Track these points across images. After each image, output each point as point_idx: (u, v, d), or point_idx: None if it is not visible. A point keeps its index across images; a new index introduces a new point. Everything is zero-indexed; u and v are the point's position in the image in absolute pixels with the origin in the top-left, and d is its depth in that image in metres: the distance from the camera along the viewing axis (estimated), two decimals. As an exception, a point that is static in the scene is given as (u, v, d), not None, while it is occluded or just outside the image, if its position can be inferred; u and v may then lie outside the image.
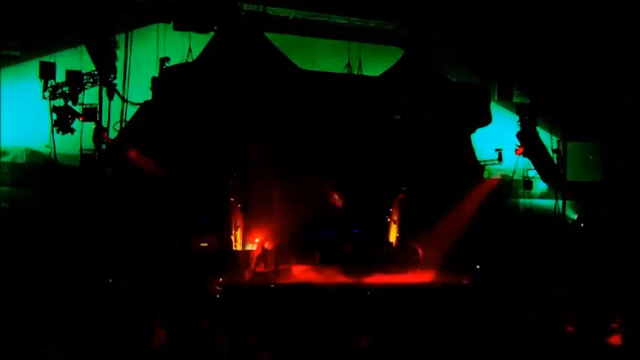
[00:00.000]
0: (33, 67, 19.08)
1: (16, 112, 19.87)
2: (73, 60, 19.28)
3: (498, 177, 22.57)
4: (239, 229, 19.92)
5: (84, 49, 19.57)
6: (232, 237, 19.93)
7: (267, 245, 19.13)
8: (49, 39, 19.55)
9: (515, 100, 21.85)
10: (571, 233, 22.15)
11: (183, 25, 17.23)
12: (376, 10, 20.95)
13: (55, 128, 18.35)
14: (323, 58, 21.23)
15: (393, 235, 21.43)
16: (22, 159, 21.12)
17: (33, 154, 21.07)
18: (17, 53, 20.39)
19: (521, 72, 21.05)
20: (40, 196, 19.49)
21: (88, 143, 18.74)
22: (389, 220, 21.51)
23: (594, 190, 22.49)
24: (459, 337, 11.69)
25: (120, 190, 18.36)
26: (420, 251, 20.71)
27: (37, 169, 20.01)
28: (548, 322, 12.39)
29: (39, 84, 18.67)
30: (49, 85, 18.51)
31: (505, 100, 21.73)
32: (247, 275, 18.55)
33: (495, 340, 11.53)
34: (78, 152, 19.34)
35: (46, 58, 18.97)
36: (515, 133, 20.91)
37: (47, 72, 18.53)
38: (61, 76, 18.56)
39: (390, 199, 21.47)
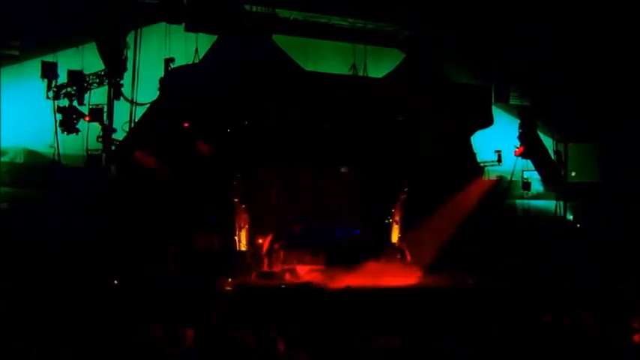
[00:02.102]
0: (34, 67, 18.96)
1: (15, 111, 19.78)
2: (75, 60, 19.19)
3: (496, 178, 22.99)
4: (243, 230, 19.99)
5: (85, 48, 19.58)
6: (236, 237, 20.03)
7: (273, 245, 19.26)
8: (50, 38, 19.46)
9: (512, 102, 22.18)
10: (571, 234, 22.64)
11: (195, 26, 17.22)
12: (375, 12, 21.17)
13: (60, 128, 18.32)
14: (329, 59, 21.36)
15: (395, 236, 21.70)
16: (20, 159, 20.90)
17: (31, 153, 20.91)
18: (17, 52, 20.19)
19: (519, 74, 21.32)
20: (43, 196, 19.44)
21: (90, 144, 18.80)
22: (391, 220, 21.76)
23: (592, 191, 22.97)
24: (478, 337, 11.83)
25: (128, 191, 18.34)
26: (406, 251, 20.96)
27: (40, 169, 19.88)
28: (567, 322, 12.59)
29: (40, 84, 18.58)
30: (53, 85, 18.42)
31: (502, 102, 21.98)
32: (254, 275, 18.64)
33: (515, 340, 11.66)
34: (79, 152, 19.35)
35: (48, 58, 18.93)
36: (514, 134, 21.33)
37: (49, 72, 18.45)
38: (62, 77, 18.51)
39: (392, 200, 21.72)
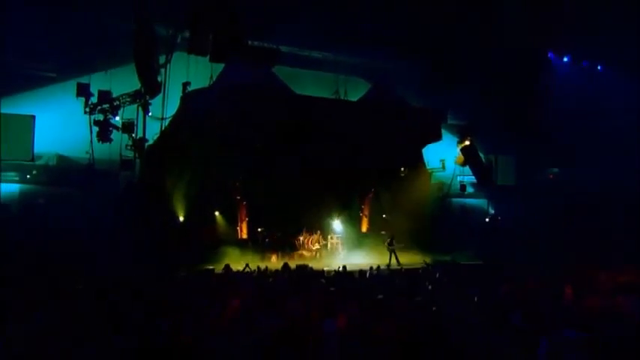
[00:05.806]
0: (70, 88, 22.86)
1: (50, 123, 23.79)
2: (104, 82, 23.20)
3: (440, 182, 28.65)
4: (244, 222, 24.59)
5: (113, 73, 23.73)
6: (238, 228, 24.60)
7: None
8: (83, 64, 23.52)
9: (450, 122, 27.60)
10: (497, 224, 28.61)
11: (218, 58, 21.84)
12: (343, 47, 26.18)
13: (96, 138, 22.32)
14: (315, 85, 26.25)
15: (364, 226, 26.83)
16: (53, 162, 24.88)
17: (62, 158, 24.94)
18: (54, 75, 24.18)
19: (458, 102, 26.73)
20: (76, 194, 23.41)
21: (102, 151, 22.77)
22: (361, 214, 26.87)
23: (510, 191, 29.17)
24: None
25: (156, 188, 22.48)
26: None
27: (75, 171, 23.86)
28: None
29: (74, 102, 22.47)
30: (90, 103, 22.42)
31: (441, 122, 27.15)
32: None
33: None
34: (105, 157, 23.35)
35: (83, 80, 22.91)
36: (455, 147, 27.04)
37: (83, 91, 22.45)
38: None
39: (362, 198, 26.90)
